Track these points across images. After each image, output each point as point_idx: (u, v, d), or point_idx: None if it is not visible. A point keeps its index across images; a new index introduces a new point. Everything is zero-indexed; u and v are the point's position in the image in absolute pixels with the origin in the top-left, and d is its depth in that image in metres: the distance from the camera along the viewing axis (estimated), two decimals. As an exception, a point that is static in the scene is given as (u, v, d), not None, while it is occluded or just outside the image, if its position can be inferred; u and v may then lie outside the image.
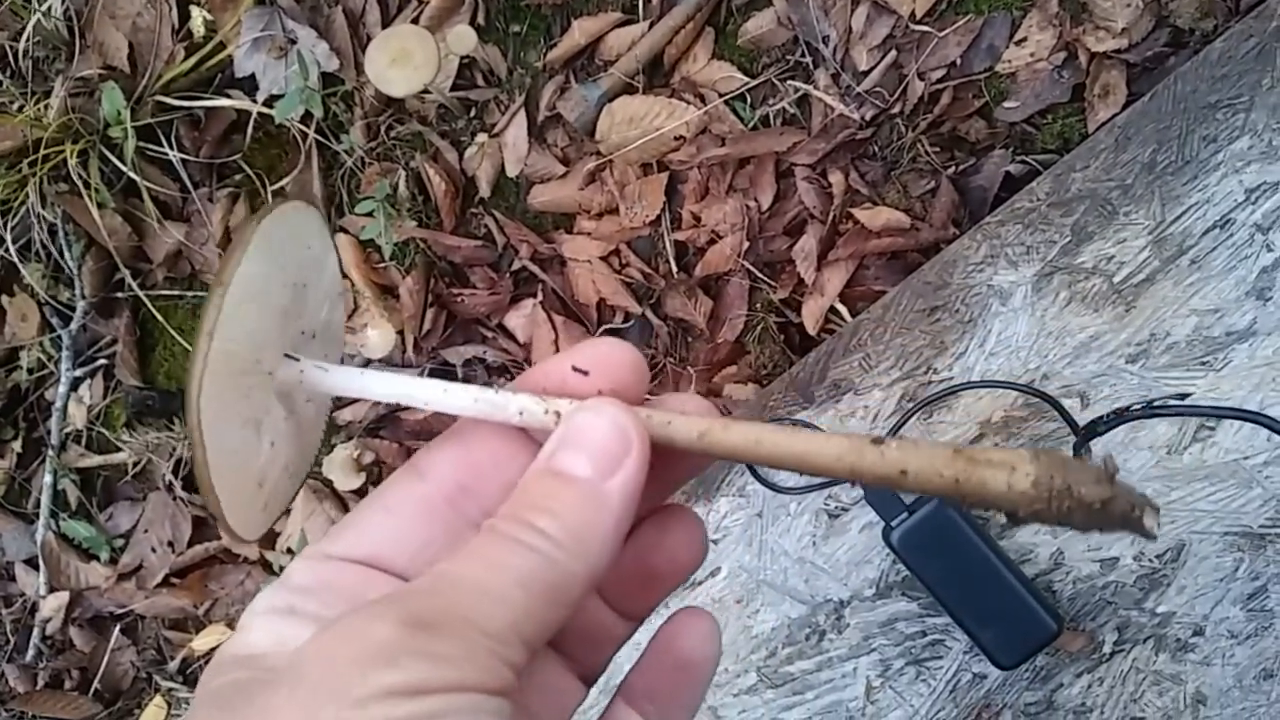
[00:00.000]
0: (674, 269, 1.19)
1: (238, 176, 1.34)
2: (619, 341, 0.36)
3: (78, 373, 1.44)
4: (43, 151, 1.29)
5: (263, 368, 0.36)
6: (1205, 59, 0.89)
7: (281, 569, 1.29)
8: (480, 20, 1.24)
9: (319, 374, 0.37)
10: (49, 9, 1.31)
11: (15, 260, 1.37)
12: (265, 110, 1.28)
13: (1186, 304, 0.85)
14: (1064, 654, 0.86)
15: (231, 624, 1.38)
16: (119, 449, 1.43)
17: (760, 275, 1.15)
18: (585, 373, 0.35)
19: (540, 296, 1.23)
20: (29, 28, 1.31)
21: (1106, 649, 0.86)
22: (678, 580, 0.38)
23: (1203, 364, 0.84)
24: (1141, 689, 0.84)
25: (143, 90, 1.32)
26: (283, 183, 1.29)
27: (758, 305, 1.16)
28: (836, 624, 0.92)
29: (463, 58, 1.23)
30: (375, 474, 1.31)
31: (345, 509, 1.30)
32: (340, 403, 1.34)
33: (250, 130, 1.31)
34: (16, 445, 1.47)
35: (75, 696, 1.43)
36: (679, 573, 0.38)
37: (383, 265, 1.29)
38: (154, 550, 1.43)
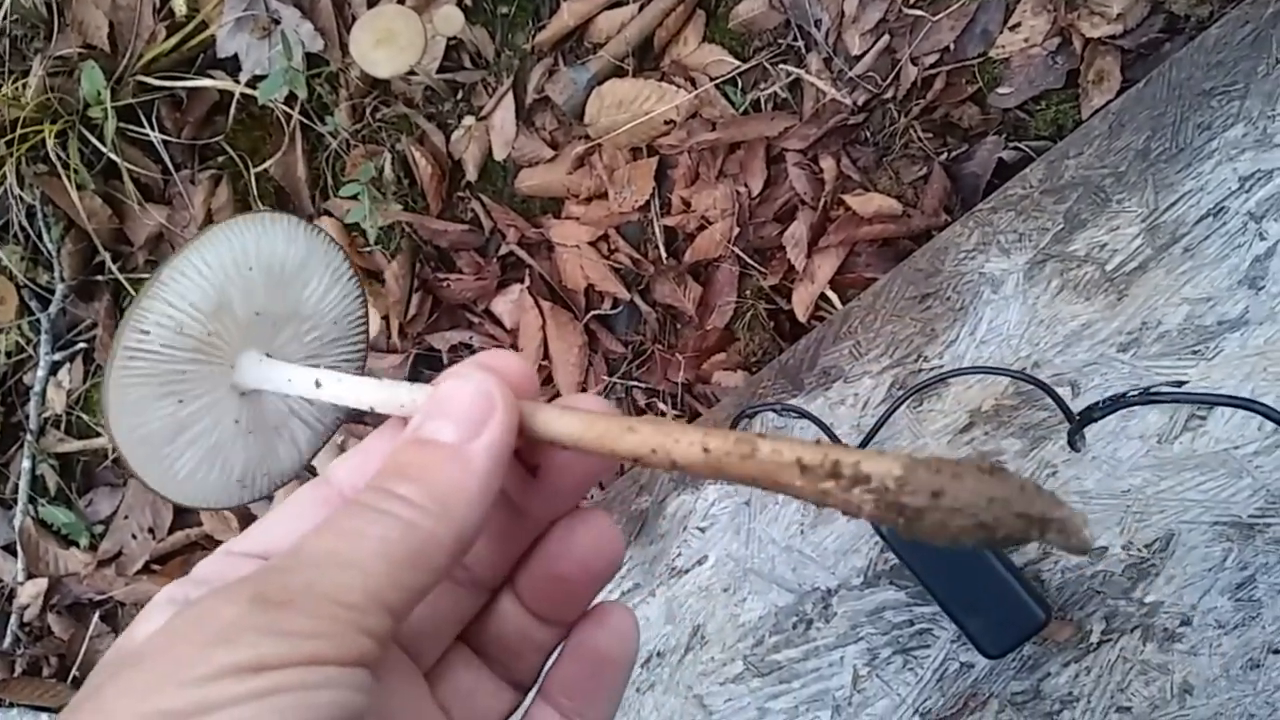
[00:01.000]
0: (663, 255, 1.18)
1: (220, 158, 1.32)
2: (508, 352, 0.36)
3: (57, 356, 1.42)
4: (20, 131, 1.26)
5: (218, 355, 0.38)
6: (1200, 45, 0.88)
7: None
8: (467, 1, 1.22)
9: (247, 366, 0.38)
10: (27, -15, 1.29)
11: (-7, 242, 1.35)
12: (248, 91, 1.26)
13: (1179, 292, 0.85)
14: (1051, 643, 0.86)
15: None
16: (99, 434, 1.41)
17: (750, 261, 1.14)
18: None
19: (528, 282, 1.22)
20: (7, 5, 1.28)
21: (1094, 638, 0.85)
22: (593, 585, 0.37)
23: (1194, 353, 0.84)
24: (1128, 678, 0.84)
25: (123, 70, 1.30)
26: (266, 165, 1.28)
27: (747, 292, 1.15)
28: (824, 613, 0.92)
29: (449, 39, 1.21)
30: (359, 460, 1.30)
31: (329, 495, 1.29)
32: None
33: (233, 111, 1.29)
34: (-6, 430, 1.45)
35: (54, 684, 1.41)
36: (592, 578, 0.37)
37: (367, 249, 1.28)
38: (134, 537, 1.41)
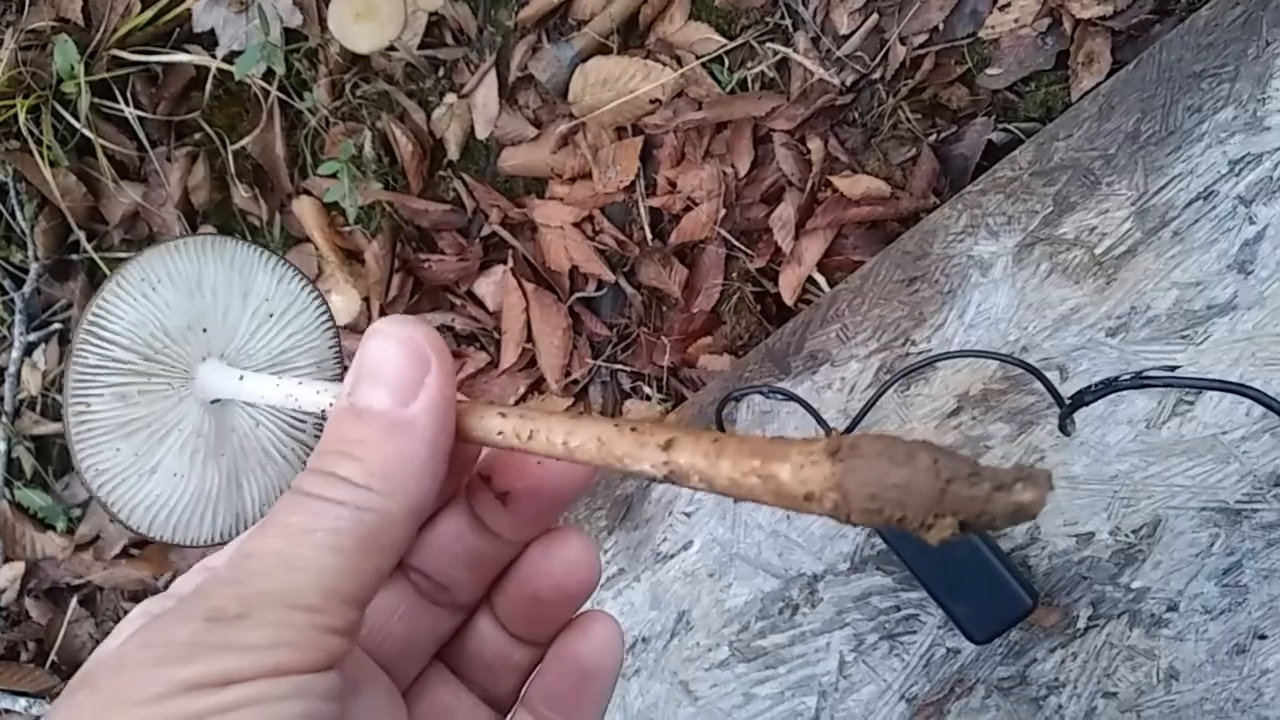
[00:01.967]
0: (649, 236, 1.16)
1: (197, 135, 1.30)
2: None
3: (31, 337, 1.39)
4: (-9, 106, 1.23)
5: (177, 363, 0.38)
6: (1191, 27, 0.87)
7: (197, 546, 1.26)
8: (450, -24, 1.20)
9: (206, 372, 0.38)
10: (-3, -44, 1.26)
11: (-36, 220, 1.32)
12: (225, 66, 1.23)
13: (1168, 277, 0.84)
14: (1038, 629, 0.86)
15: (193, 595, 1.35)
16: (75, 416, 1.38)
17: (737, 244, 1.13)
18: None
19: (511, 263, 1.20)
20: (-24, -24, 1.25)
21: (1081, 624, 0.85)
22: (569, 605, 0.36)
23: (1183, 338, 0.83)
24: (1115, 664, 0.84)
25: (97, 44, 1.27)
26: (244, 142, 1.25)
27: (734, 274, 1.14)
28: (810, 598, 0.92)
29: (431, 14, 1.19)
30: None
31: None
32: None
33: (209, 87, 1.26)
34: (-32, 412, 1.42)
35: (32, 668, 1.39)
36: (567, 599, 0.36)
37: (347, 229, 1.26)
38: (112, 520, 1.39)
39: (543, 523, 0.35)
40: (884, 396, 0.88)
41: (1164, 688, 0.82)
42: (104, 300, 0.35)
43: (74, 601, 1.41)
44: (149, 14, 1.25)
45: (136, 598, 1.39)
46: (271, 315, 0.39)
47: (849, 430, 0.90)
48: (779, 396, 0.91)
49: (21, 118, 1.24)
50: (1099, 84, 0.92)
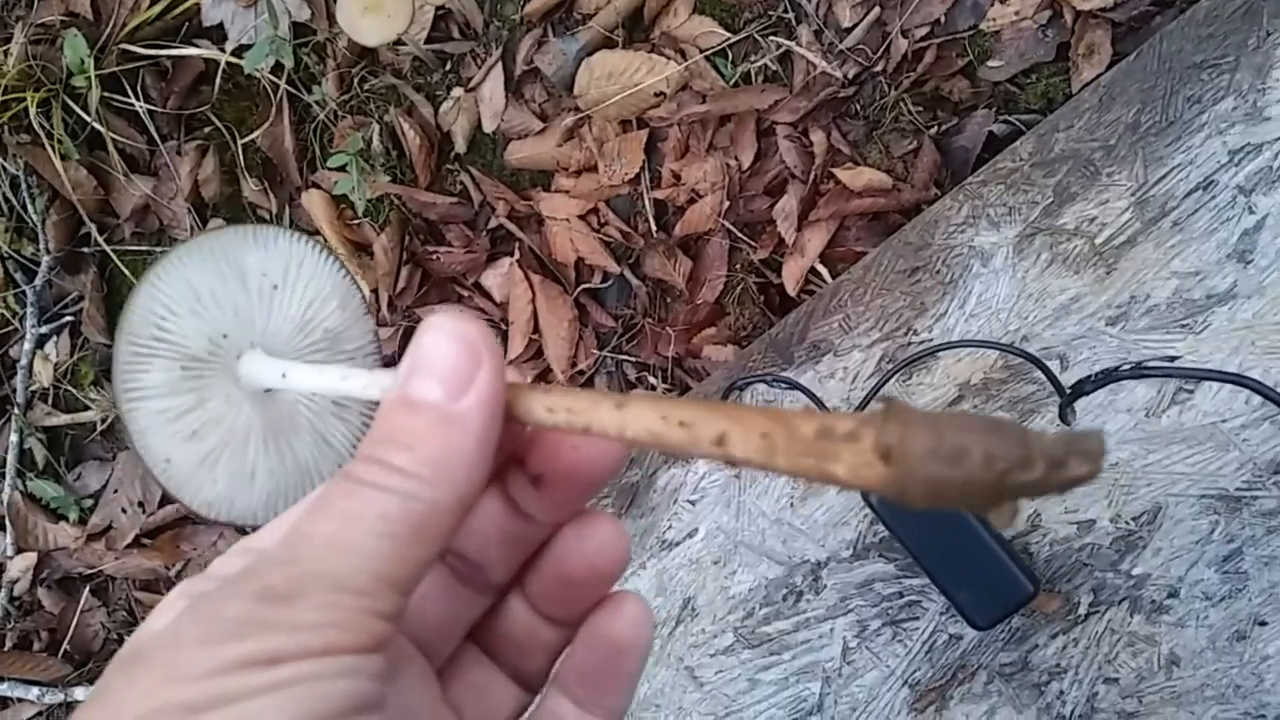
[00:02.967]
0: (653, 228, 1.17)
1: (206, 129, 1.31)
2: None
3: (43, 329, 1.41)
4: (1, 99, 1.25)
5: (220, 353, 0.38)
6: (1191, 18, 0.88)
7: (252, 527, 1.28)
8: (456, -30, 1.21)
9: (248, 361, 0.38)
10: (8, -48, 1.27)
11: (-24, 214, 1.33)
12: (234, 60, 1.24)
13: (1167, 266, 0.85)
14: (1039, 615, 0.87)
15: (203, 584, 1.36)
16: (87, 407, 1.40)
17: (740, 235, 1.14)
18: None
19: (517, 255, 1.21)
20: (-13, -28, 1.26)
21: (1082, 610, 0.86)
22: (601, 586, 0.37)
23: (1183, 326, 0.84)
24: (1116, 650, 0.85)
25: (107, 38, 1.28)
26: (253, 135, 1.26)
27: (737, 265, 1.15)
28: (814, 585, 0.92)
29: (438, 8, 1.20)
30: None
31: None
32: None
33: (219, 81, 1.27)
34: (-19, 403, 1.44)
35: (44, 658, 1.41)
36: (600, 580, 0.36)
37: (356, 222, 1.27)
38: (124, 510, 1.41)
39: (576, 505, 0.36)
40: (886, 385, 0.89)
41: (1165, 674, 0.83)
42: (126, 364, 0.35)
43: (86, 591, 1.42)
44: (158, 8, 1.26)
45: (148, 587, 1.41)
46: (276, 286, 0.39)
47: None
48: (783, 386, 0.92)
49: (32, 112, 1.26)
50: (1099, 75, 0.92)
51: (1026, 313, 0.89)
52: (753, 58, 1.12)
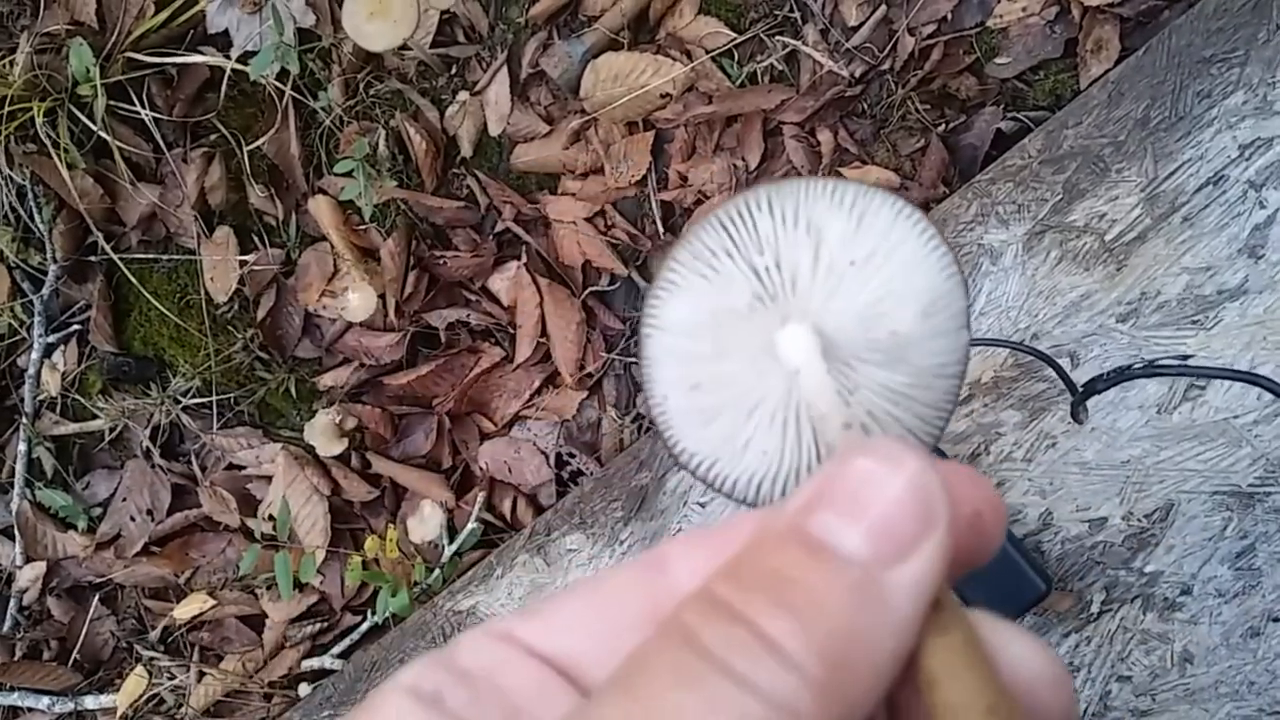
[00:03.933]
0: (660, 230, 1.17)
1: (213, 136, 1.31)
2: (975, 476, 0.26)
3: (51, 339, 1.41)
4: (8, 109, 1.25)
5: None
6: (1200, 12, 0.88)
7: (262, 535, 1.28)
8: (460, -25, 1.21)
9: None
10: (13, -38, 1.27)
11: (-16, 223, 1.34)
12: (239, 67, 1.24)
13: (1178, 262, 0.85)
14: (1052, 613, 0.86)
15: (214, 592, 1.36)
16: (95, 416, 1.40)
17: (747, 236, 1.14)
18: None
19: (524, 259, 1.21)
20: (-8, -19, 1.27)
21: (1094, 608, 0.85)
22: None
23: (1194, 323, 0.83)
24: (1129, 648, 0.84)
25: (112, 47, 1.28)
26: (259, 142, 1.27)
27: (744, 267, 1.15)
28: (825, 586, 0.92)
29: (442, 12, 1.20)
30: (357, 439, 1.30)
31: (328, 475, 1.29)
32: (323, 366, 1.32)
33: (224, 88, 1.27)
34: (-10, 412, 1.44)
35: (54, 667, 1.41)
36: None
37: (363, 227, 1.27)
38: (133, 519, 1.41)
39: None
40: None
41: (1178, 671, 0.83)
42: (659, 285, 0.32)
43: (95, 600, 1.42)
44: (163, 16, 1.27)
45: (158, 595, 1.41)
46: (853, 263, 0.33)
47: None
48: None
49: (38, 121, 1.26)
50: (1108, 71, 0.92)
51: (1036, 310, 0.88)
52: (759, 58, 1.12)
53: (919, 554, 0.21)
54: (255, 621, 1.35)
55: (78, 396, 1.42)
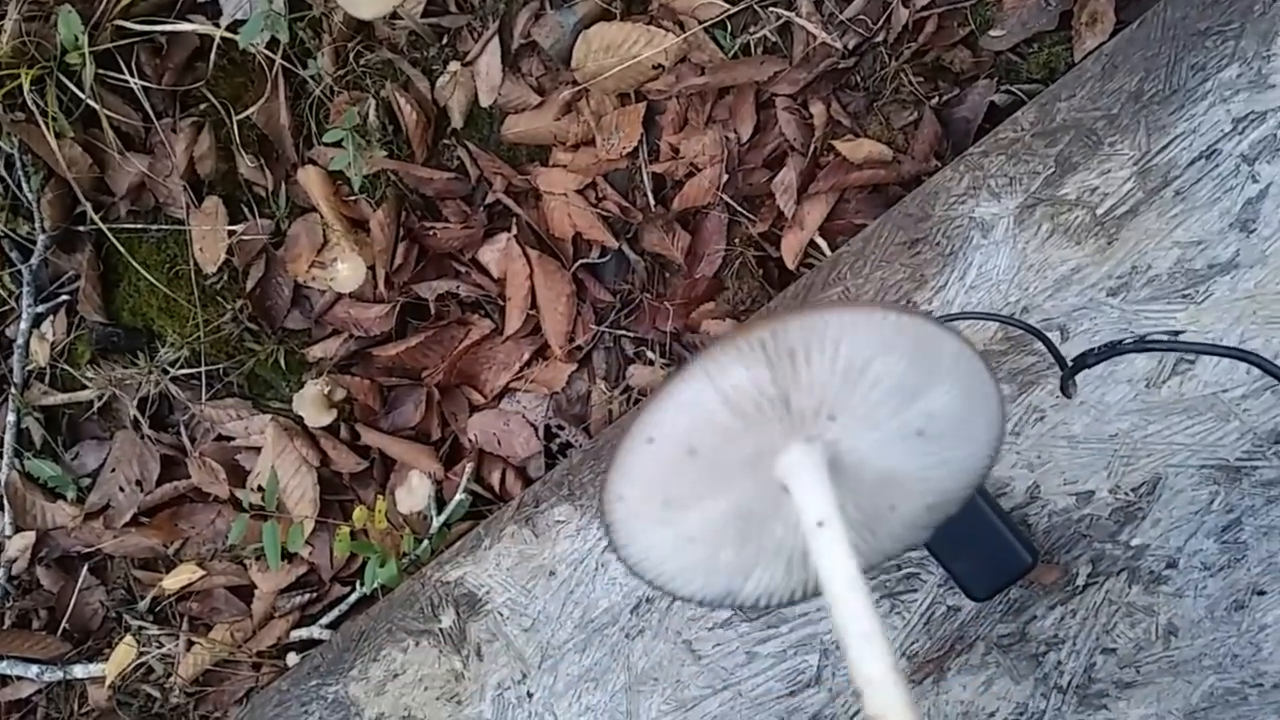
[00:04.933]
0: (651, 202, 1.16)
1: (202, 105, 1.30)
2: None
3: (40, 309, 1.40)
4: (-4, 76, 1.24)
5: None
6: (1196, -16, 0.87)
7: (250, 506, 1.28)
8: (452, -57, 1.19)
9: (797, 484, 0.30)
10: (-1, -74, 1.26)
11: (-29, 191, 1.32)
12: (229, 35, 1.23)
13: (1169, 236, 0.84)
14: (1038, 586, 0.86)
15: (203, 563, 1.36)
16: (84, 386, 1.39)
17: (739, 209, 1.13)
18: None
19: (515, 230, 1.20)
20: (-22, -54, 1.25)
21: (1080, 581, 0.86)
22: None
23: (1184, 297, 0.83)
24: (1114, 621, 0.84)
25: (101, 14, 1.27)
26: (249, 112, 1.25)
27: (736, 239, 1.14)
28: (812, 558, 0.92)
29: (434, -18, 1.19)
30: (346, 411, 1.29)
31: (317, 446, 1.29)
32: (313, 337, 1.32)
33: (213, 57, 1.26)
34: (-22, 382, 1.43)
35: (43, 636, 1.41)
36: None
37: (352, 198, 1.26)
38: (122, 489, 1.41)
39: None
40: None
41: (1162, 644, 0.83)
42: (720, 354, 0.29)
43: (85, 570, 1.42)
44: (152, -17, 1.25)
45: (147, 565, 1.41)
46: (921, 434, 0.30)
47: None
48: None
49: (26, 89, 1.25)
50: (1102, 44, 0.91)
51: (1027, 284, 0.88)
52: (752, 29, 1.11)
53: None
54: (244, 592, 1.35)
55: (66, 367, 1.41)
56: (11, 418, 1.40)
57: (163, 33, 1.26)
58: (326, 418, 1.27)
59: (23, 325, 1.40)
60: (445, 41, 1.23)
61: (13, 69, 1.25)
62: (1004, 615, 0.87)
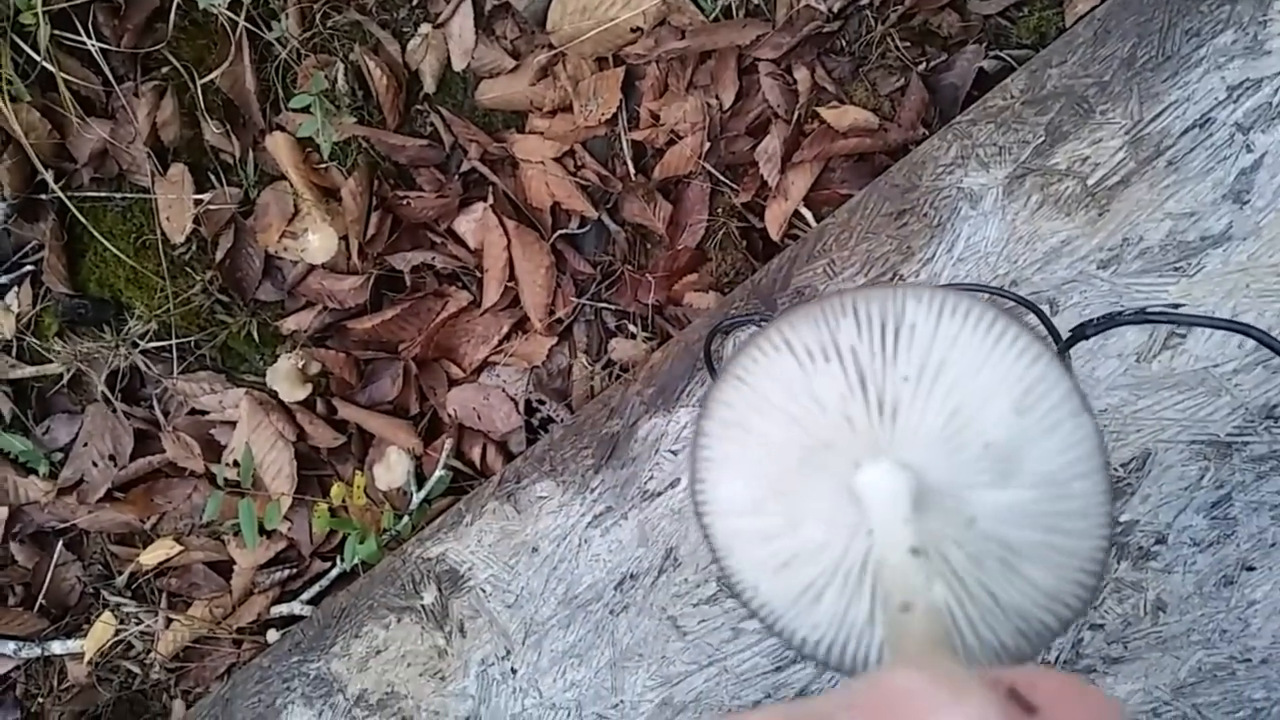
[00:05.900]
0: (632, 171, 1.13)
1: (164, 69, 1.25)
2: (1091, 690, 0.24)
3: (3, 280, 1.36)
4: (-53, 40, 1.19)
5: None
6: (1192, -54, 0.84)
7: (226, 481, 1.25)
8: (421, -102, 1.15)
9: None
10: (-55, -120, 1.20)
11: (-74, 160, 1.28)
12: (190, -4, 1.18)
13: (1161, 207, 0.83)
14: (1026, 563, 0.86)
15: (180, 538, 1.34)
16: (51, 360, 1.36)
17: (722, 178, 1.10)
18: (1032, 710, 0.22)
19: (491, 200, 1.17)
20: (-77, -99, 1.19)
21: (1068, 558, 0.85)
22: None
23: (1175, 269, 0.82)
24: (1102, 596, 0.84)
25: (55, -27, 1.21)
26: (212, 75, 1.21)
27: (719, 209, 1.12)
28: (798, 536, 0.91)
29: (403, -60, 1.15)
30: (322, 385, 1.27)
31: (293, 421, 1.26)
32: (286, 309, 1.29)
33: (174, 17, 1.21)
34: (-59, 357, 1.40)
35: (20, 612, 1.39)
36: None
37: (323, 166, 1.22)
38: (95, 464, 1.38)
39: None
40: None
41: (1151, 619, 0.83)
42: (700, 474, 0.27)
43: (60, 546, 1.40)
44: (108, -59, 1.20)
45: (123, 540, 1.38)
46: (906, 379, 0.28)
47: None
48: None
49: (-21, 52, 1.20)
50: (1094, 9, 0.89)
51: (1016, 256, 0.86)
52: (733, -10, 1.07)
53: None
54: (223, 568, 1.33)
55: (33, 339, 1.37)
56: (-22, 392, 1.37)
57: (121, -7, 1.21)
58: (302, 392, 1.24)
59: (-14, 298, 1.36)
60: (416, 3, 1.19)
61: (-36, 32, 1.20)
62: (991, 591, 0.87)
